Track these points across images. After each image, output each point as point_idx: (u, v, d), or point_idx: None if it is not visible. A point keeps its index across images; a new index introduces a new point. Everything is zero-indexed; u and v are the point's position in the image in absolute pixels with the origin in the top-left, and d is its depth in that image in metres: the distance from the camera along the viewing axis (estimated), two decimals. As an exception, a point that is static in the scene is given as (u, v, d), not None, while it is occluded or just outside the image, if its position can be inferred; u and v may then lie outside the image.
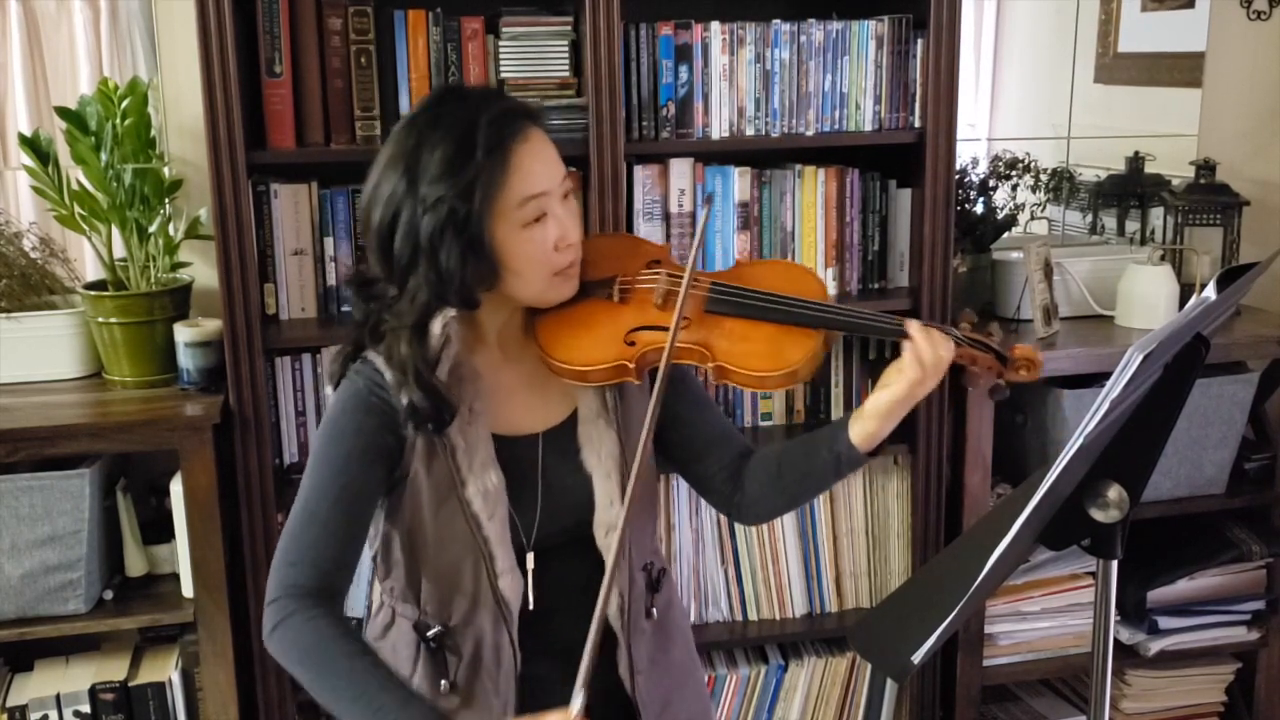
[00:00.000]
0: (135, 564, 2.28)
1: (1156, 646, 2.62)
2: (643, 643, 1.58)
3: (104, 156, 2.22)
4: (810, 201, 2.43)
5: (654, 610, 1.61)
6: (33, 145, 2.24)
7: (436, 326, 1.44)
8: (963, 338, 1.50)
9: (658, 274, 1.55)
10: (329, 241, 2.27)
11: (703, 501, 1.96)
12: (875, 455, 1.51)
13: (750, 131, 2.35)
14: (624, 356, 1.49)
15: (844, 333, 1.52)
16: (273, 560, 1.44)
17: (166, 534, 2.26)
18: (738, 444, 1.64)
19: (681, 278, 1.50)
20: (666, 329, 1.46)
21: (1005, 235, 2.76)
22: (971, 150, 2.83)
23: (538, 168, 1.43)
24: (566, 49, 2.24)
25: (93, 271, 2.43)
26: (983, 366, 1.52)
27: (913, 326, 1.48)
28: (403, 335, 1.42)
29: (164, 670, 2.25)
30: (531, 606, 1.51)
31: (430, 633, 1.50)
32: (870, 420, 1.48)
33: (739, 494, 1.61)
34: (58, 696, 2.19)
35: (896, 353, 1.49)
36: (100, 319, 2.23)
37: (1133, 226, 2.94)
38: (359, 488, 1.44)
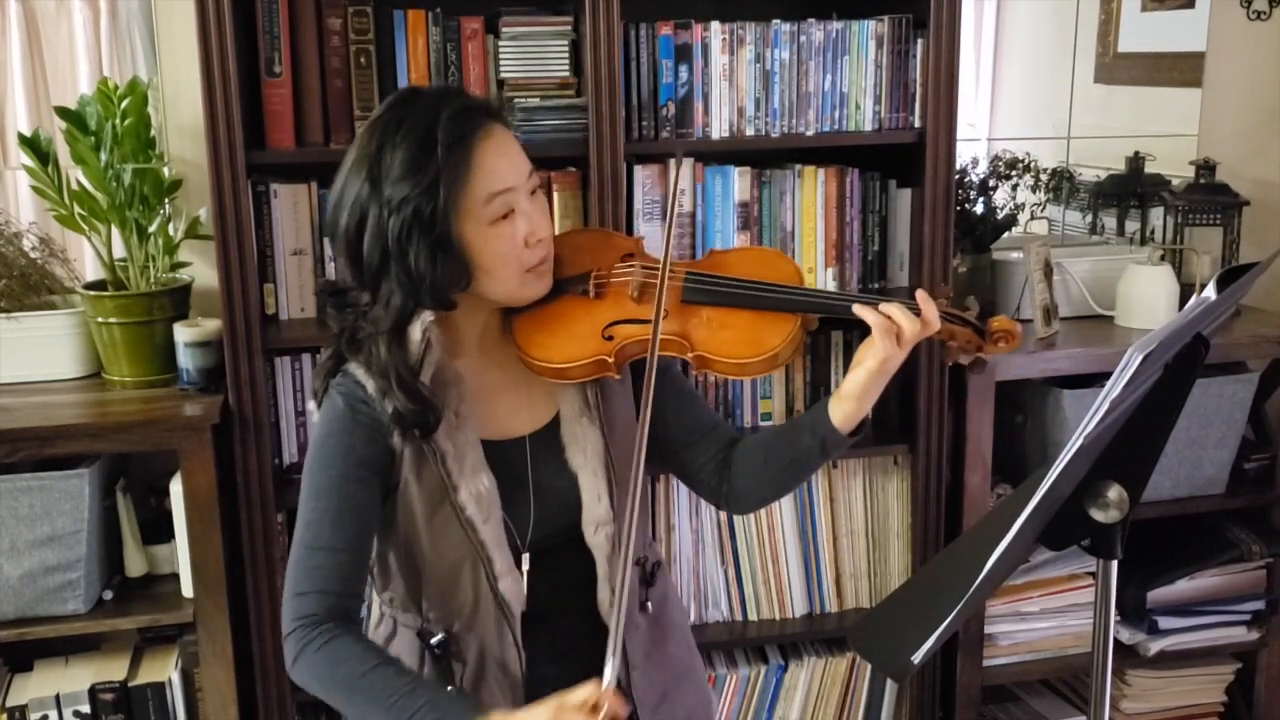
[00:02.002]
0: (135, 564, 2.28)
1: (1156, 646, 2.62)
2: (637, 638, 1.58)
3: (104, 156, 2.22)
4: (810, 201, 2.42)
5: (649, 604, 1.61)
6: (32, 145, 2.24)
7: (416, 332, 1.43)
8: (940, 313, 1.49)
9: (632, 267, 1.54)
10: (329, 241, 2.27)
11: (703, 502, 1.96)
12: (858, 434, 1.51)
13: (750, 131, 2.34)
14: (603, 351, 1.49)
15: (820, 314, 1.53)
16: (283, 593, 1.44)
17: (166, 534, 2.25)
18: (724, 434, 1.64)
19: (656, 270, 1.49)
20: (644, 321, 1.47)
21: (1005, 235, 2.75)
22: (971, 150, 2.82)
23: (501, 164, 1.43)
24: (566, 49, 2.24)
25: (92, 271, 2.43)
26: (961, 340, 1.52)
27: (879, 303, 1.47)
28: (381, 341, 1.42)
29: (164, 670, 2.25)
30: (531, 608, 1.51)
31: (434, 640, 1.50)
32: (848, 401, 1.48)
33: (726, 484, 1.61)
34: (57, 697, 2.19)
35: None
36: (100, 319, 2.23)
37: (1133, 226, 2.94)
38: (357, 507, 1.43)
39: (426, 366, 1.43)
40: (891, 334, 1.44)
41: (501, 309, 1.53)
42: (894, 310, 1.45)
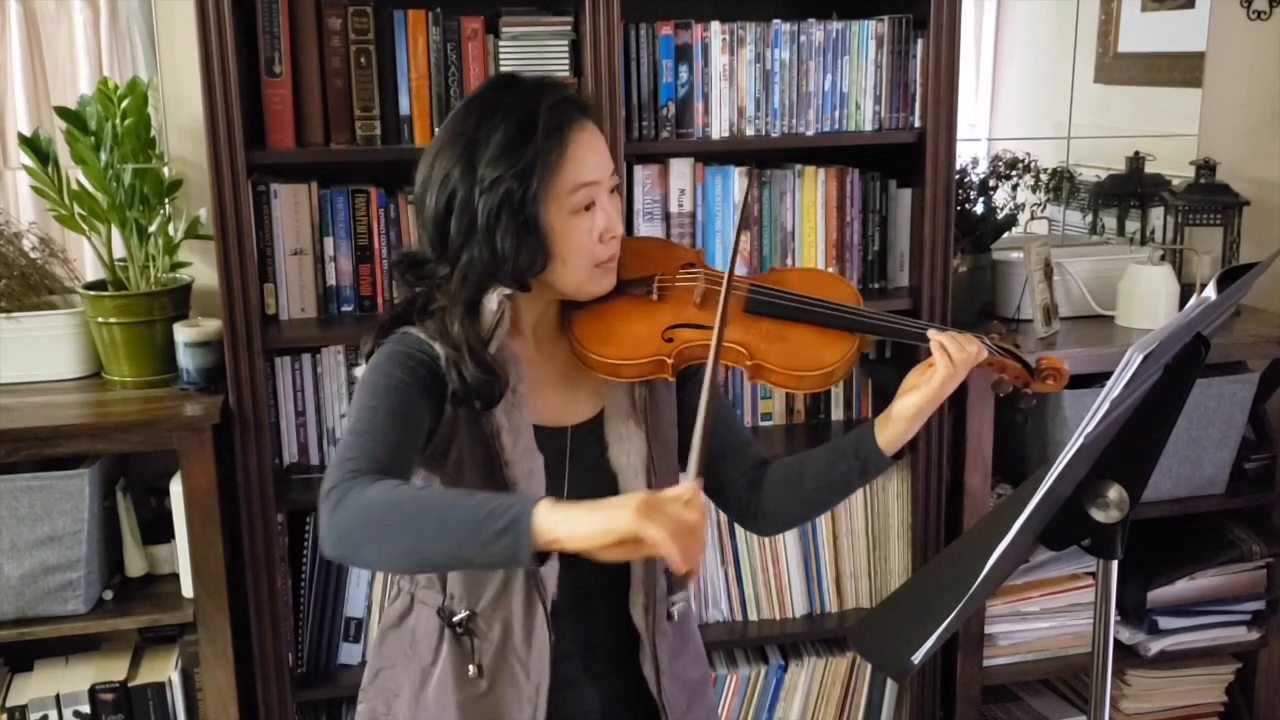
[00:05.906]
0: (135, 564, 2.28)
1: (1156, 646, 2.62)
2: (665, 644, 1.59)
3: (104, 156, 2.22)
4: (810, 201, 2.43)
5: (674, 613, 1.62)
6: (33, 145, 2.24)
7: (492, 303, 1.44)
8: (993, 346, 1.54)
9: (696, 274, 1.57)
10: (329, 241, 2.27)
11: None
12: (899, 459, 1.53)
13: (750, 131, 2.34)
14: (662, 352, 1.51)
15: (877, 337, 1.56)
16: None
17: (166, 534, 2.25)
18: (756, 453, 1.65)
19: (718, 279, 1.52)
20: (705, 327, 1.49)
21: (1005, 235, 2.75)
22: (971, 150, 2.82)
23: (591, 157, 1.46)
24: (566, 49, 2.24)
25: (92, 271, 2.43)
26: (1011, 375, 1.56)
27: (937, 330, 1.51)
28: (456, 313, 1.43)
29: (164, 670, 2.25)
30: (559, 601, 1.51)
31: (456, 618, 1.50)
32: (899, 423, 1.49)
33: (755, 503, 1.62)
34: (57, 697, 2.19)
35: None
36: (100, 319, 2.23)
37: (1133, 226, 2.94)
38: (408, 409, 1.40)
39: (494, 340, 1.45)
40: (946, 359, 1.48)
41: (560, 303, 1.55)
42: (945, 338, 1.50)
